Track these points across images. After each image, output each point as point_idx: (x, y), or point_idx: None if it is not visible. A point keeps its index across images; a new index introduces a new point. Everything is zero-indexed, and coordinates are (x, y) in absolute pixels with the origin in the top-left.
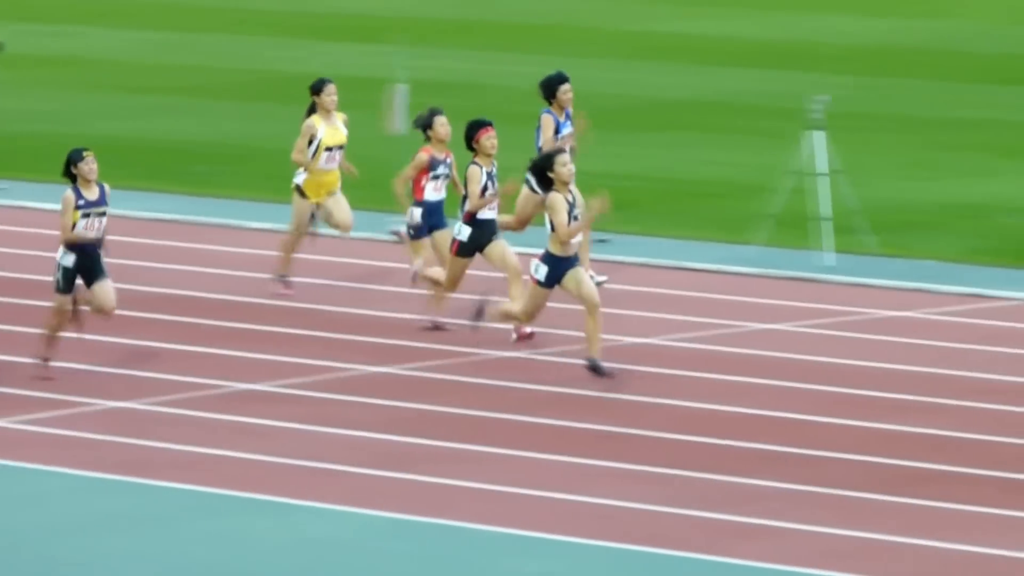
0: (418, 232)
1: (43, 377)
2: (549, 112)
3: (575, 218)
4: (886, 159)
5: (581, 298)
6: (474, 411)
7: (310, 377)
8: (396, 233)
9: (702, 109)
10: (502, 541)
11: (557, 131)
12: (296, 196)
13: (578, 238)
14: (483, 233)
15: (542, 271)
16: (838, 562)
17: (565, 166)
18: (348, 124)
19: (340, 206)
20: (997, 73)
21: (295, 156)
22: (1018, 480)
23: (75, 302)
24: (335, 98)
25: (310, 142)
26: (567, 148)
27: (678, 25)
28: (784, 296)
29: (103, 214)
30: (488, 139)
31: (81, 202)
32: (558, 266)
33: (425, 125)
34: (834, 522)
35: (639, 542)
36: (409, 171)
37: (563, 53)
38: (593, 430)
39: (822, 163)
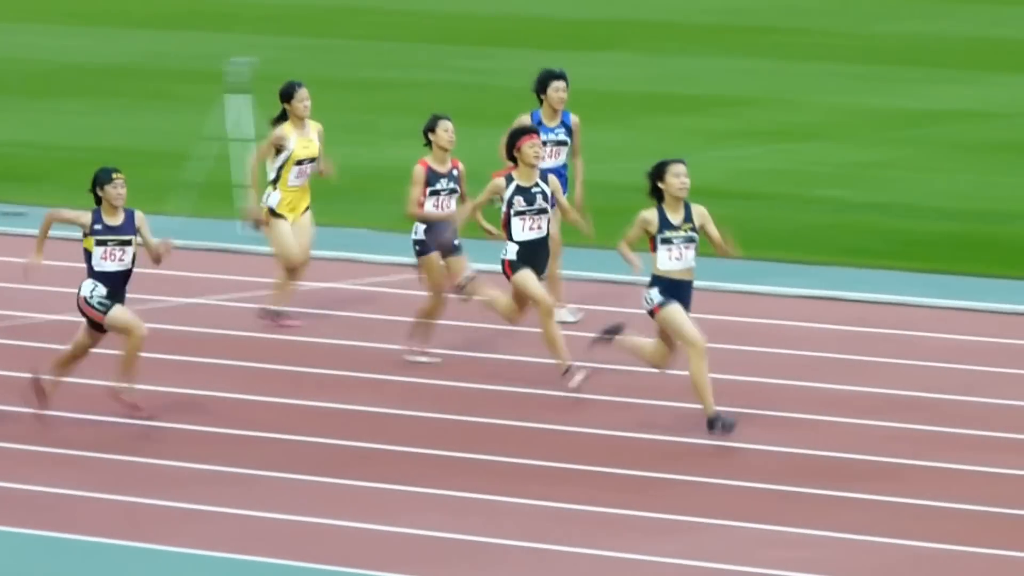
0: (424, 248)
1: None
2: (534, 113)
3: (667, 240)
4: (324, 125)
5: (683, 340)
6: None
7: None
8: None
9: (120, 74)
10: None
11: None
12: (271, 220)
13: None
14: (533, 254)
15: (655, 294)
16: (270, 547)
17: (678, 177)
18: (323, 136)
19: (303, 231)
20: (436, 32)
21: (252, 162)
22: (460, 459)
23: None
24: (308, 104)
25: (278, 152)
26: (546, 156)
27: None
28: (209, 268)
29: (127, 243)
30: (531, 147)
31: (98, 227)
32: (668, 288)
33: (427, 130)
34: (277, 506)
35: (54, 528)
36: (414, 192)
37: None
38: (7, 412)
39: (246, 128)
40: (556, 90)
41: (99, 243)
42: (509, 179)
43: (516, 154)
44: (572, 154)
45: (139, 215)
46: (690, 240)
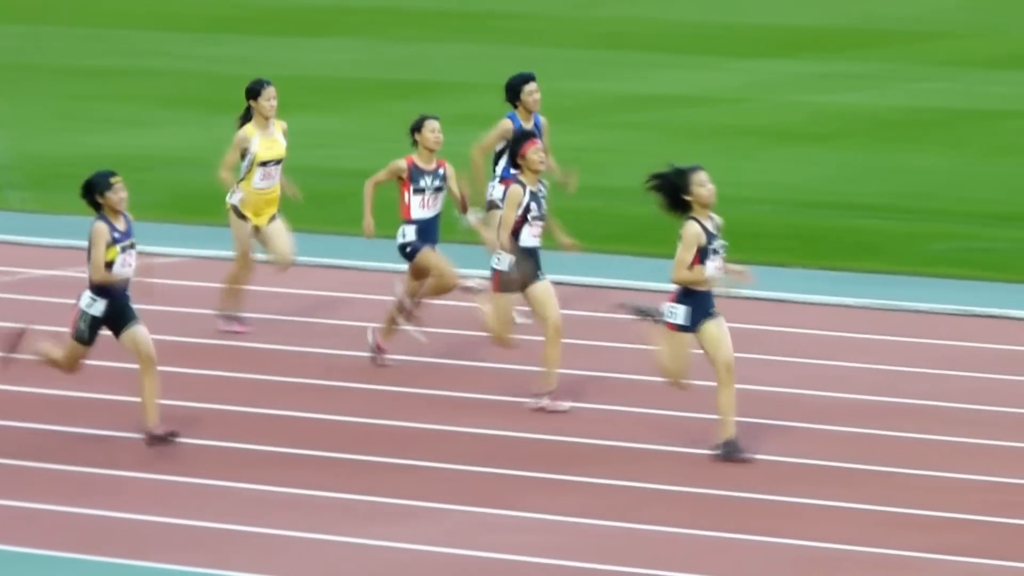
0: (415, 250)
1: None
2: (512, 116)
3: (714, 251)
4: (36, 111)
5: (715, 361)
6: None
7: None
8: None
9: None
10: None
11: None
12: (232, 217)
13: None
14: (527, 263)
15: (680, 313)
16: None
17: (704, 186)
18: (288, 133)
19: (279, 233)
20: (158, 20)
21: (222, 173)
22: (188, 445)
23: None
24: (275, 103)
25: (243, 156)
26: None
27: None
28: None
29: (133, 247)
30: (535, 153)
31: (116, 234)
32: (700, 304)
33: (413, 129)
34: None
35: None
36: (381, 174)
37: None
38: None
39: None
40: (530, 93)
41: (122, 250)
42: (523, 185)
43: (520, 161)
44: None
45: (131, 217)
46: (724, 248)
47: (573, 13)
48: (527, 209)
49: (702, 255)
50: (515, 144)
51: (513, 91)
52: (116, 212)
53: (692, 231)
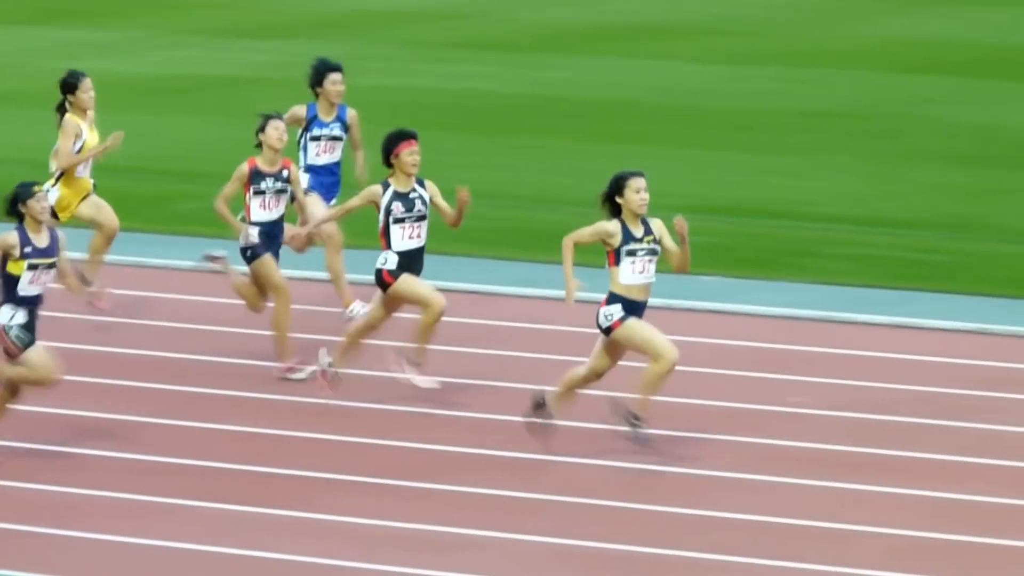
0: (254, 254)
1: None
2: (311, 105)
3: (631, 252)
4: None
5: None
6: None
7: None
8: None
9: None
10: None
11: (307, 128)
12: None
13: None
14: (412, 263)
15: (615, 311)
16: None
17: (638, 193)
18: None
19: (100, 204)
20: None
21: (64, 162)
22: None
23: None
24: (93, 94)
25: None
26: (320, 151)
27: None
28: None
29: (52, 266)
30: (410, 154)
31: (28, 249)
32: (630, 307)
33: (258, 131)
34: None
35: None
36: (228, 187)
37: None
38: None
39: None
40: (334, 83)
41: (30, 267)
42: (386, 185)
43: (393, 160)
44: (352, 148)
45: (61, 235)
46: (653, 253)
47: None
48: (388, 211)
49: (617, 256)
50: (390, 143)
51: (317, 78)
52: (38, 224)
53: (603, 226)
